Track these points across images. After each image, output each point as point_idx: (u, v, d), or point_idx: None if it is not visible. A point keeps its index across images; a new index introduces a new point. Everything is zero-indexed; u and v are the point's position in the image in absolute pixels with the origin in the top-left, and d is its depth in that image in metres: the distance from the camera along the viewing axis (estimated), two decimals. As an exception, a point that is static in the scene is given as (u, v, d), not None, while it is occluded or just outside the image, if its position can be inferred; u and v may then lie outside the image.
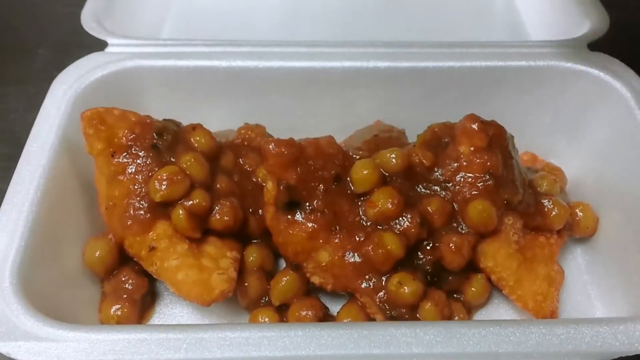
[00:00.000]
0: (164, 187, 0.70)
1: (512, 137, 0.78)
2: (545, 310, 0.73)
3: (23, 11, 1.21)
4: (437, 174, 0.75)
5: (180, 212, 0.70)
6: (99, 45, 0.86)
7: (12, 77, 1.08)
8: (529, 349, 0.59)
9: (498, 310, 0.77)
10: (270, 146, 0.70)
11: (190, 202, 0.71)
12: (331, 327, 0.60)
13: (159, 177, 0.70)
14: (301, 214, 0.71)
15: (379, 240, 0.70)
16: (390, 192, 0.71)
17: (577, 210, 0.81)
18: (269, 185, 0.71)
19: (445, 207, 0.73)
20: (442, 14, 1.10)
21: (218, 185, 0.74)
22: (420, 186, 0.75)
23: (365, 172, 0.72)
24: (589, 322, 0.61)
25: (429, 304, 0.70)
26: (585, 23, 0.91)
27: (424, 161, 0.74)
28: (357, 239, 0.71)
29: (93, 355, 0.57)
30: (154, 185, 0.70)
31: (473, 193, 0.73)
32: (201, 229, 0.72)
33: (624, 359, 0.60)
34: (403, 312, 0.70)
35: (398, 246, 0.70)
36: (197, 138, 0.75)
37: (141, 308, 0.74)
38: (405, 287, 0.69)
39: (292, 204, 0.71)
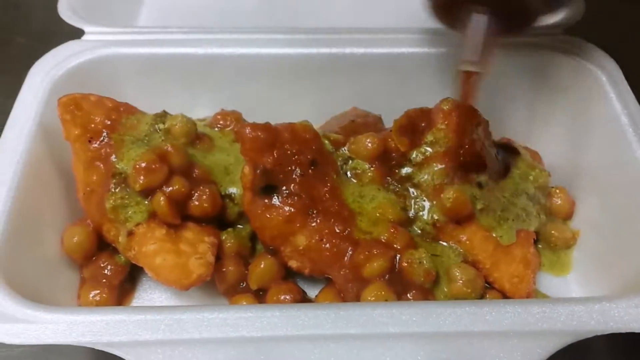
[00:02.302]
0: (142, 176, 0.70)
1: (487, 121, 0.78)
2: (522, 292, 0.73)
3: (1, 1, 1.20)
4: (413, 158, 0.75)
5: (161, 198, 0.70)
6: (76, 33, 0.86)
7: (-9, 66, 1.07)
8: (504, 328, 0.59)
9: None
10: (247, 130, 0.70)
11: (170, 189, 0.71)
12: (308, 307, 0.60)
13: (137, 166, 0.70)
14: (278, 198, 0.71)
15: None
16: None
17: (553, 194, 0.82)
18: (246, 170, 0.70)
19: None
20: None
21: (196, 172, 0.74)
22: (397, 171, 0.76)
23: None
24: (565, 301, 0.62)
25: None
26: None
27: (400, 146, 0.75)
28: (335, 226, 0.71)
29: (71, 337, 0.57)
30: (133, 175, 0.70)
31: (446, 180, 0.74)
32: (180, 215, 0.72)
33: (598, 338, 0.60)
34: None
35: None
36: (175, 124, 0.75)
37: (120, 293, 0.74)
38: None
39: (268, 188, 0.71)
